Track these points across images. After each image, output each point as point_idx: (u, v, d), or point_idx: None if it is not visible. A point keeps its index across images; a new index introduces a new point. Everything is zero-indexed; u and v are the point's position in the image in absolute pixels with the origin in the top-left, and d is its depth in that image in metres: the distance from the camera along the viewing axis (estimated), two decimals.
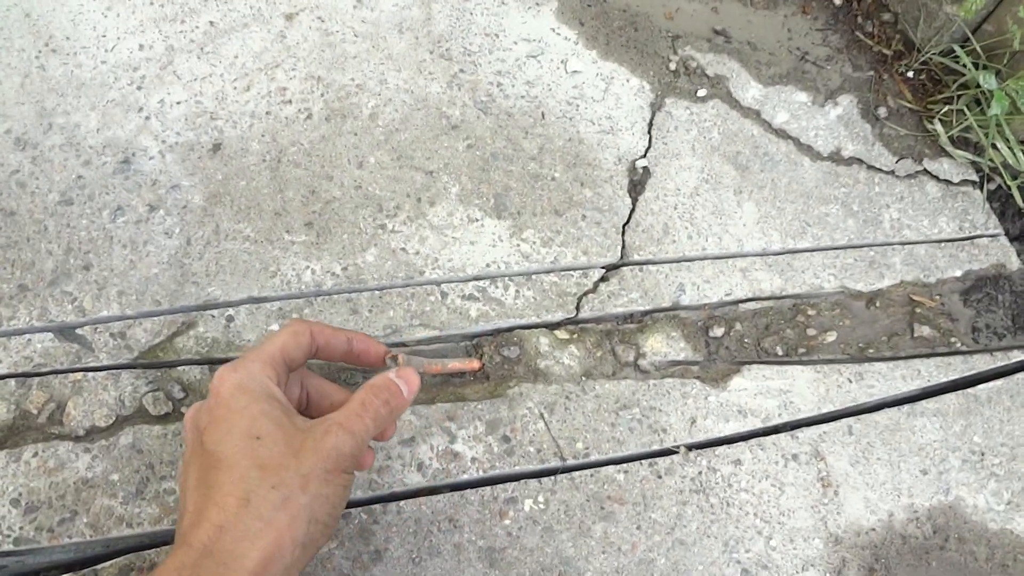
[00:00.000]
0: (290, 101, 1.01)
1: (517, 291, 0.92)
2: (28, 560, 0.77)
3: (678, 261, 0.98)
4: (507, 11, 1.13)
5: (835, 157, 1.11)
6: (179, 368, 0.85)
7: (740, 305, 0.98)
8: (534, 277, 0.94)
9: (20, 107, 0.97)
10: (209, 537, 0.53)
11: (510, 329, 0.92)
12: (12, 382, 0.83)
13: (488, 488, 0.82)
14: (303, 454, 0.57)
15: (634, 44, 1.15)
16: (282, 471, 0.56)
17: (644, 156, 1.04)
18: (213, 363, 0.85)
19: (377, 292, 0.90)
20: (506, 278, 0.93)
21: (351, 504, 0.80)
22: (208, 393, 0.62)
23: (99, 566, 0.76)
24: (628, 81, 1.11)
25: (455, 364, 0.88)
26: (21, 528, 0.76)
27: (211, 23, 1.06)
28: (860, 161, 1.11)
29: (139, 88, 1.00)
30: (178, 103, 0.99)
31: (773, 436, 0.90)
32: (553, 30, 1.13)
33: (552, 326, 0.93)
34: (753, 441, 0.90)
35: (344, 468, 0.60)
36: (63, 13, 1.04)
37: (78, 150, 0.95)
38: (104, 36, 1.03)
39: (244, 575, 0.53)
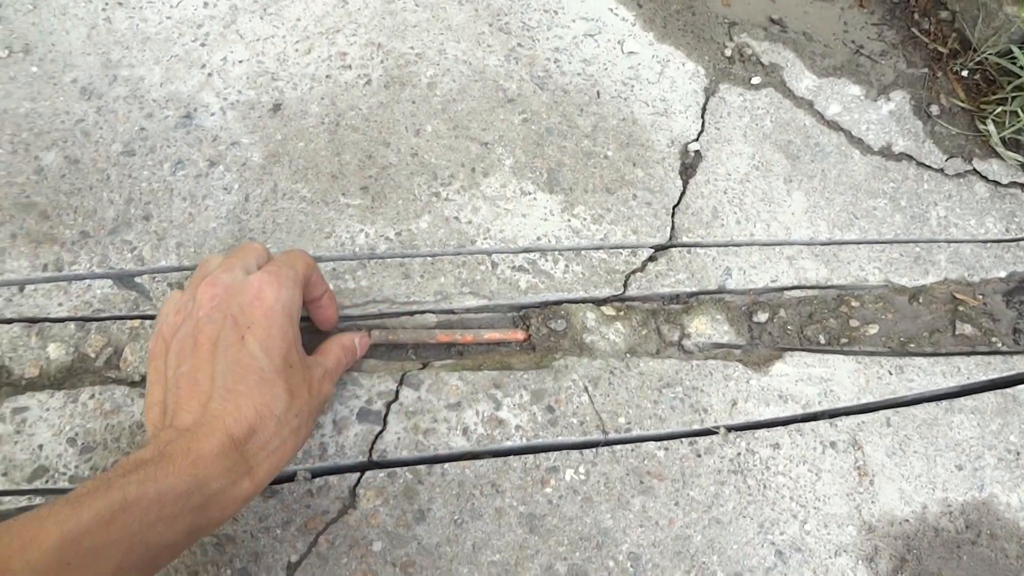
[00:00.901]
0: (350, 66, 1.02)
1: (566, 265, 0.93)
2: None
3: (726, 245, 0.99)
4: None
5: (885, 152, 1.11)
6: None
7: (785, 292, 0.99)
8: (583, 253, 0.95)
9: (86, 58, 0.98)
10: (243, 432, 0.56)
11: (558, 302, 0.93)
12: (72, 325, 0.84)
13: (531, 456, 0.84)
14: (311, 392, 0.66)
15: (691, 28, 1.15)
16: (301, 402, 0.63)
17: (696, 140, 1.05)
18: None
19: (429, 258, 0.91)
20: (556, 252, 0.94)
21: (398, 463, 0.82)
22: (235, 285, 0.63)
23: None
24: (683, 65, 1.11)
25: (494, 334, 0.89)
26: (76, 467, 0.78)
27: None
28: (910, 157, 1.11)
29: (202, 45, 1.01)
30: (240, 62, 1.01)
31: (812, 423, 0.91)
32: (611, 10, 1.13)
33: (599, 302, 0.94)
34: (792, 426, 0.90)
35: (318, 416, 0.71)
36: None
37: (141, 103, 0.96)
38: None
39: (259, 479, 0.60)
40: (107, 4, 1.03)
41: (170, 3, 1.04)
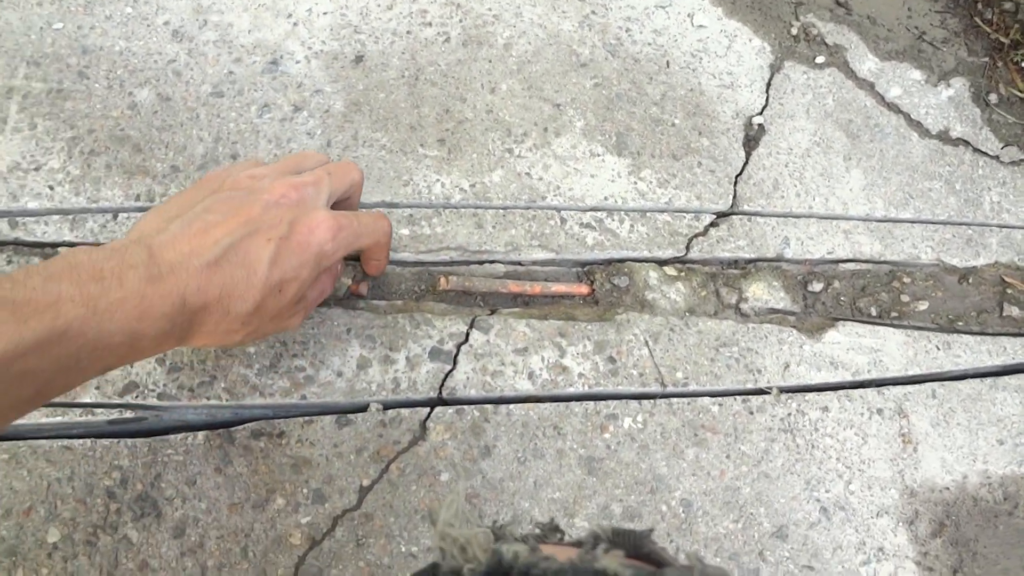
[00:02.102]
0: (430, 24, 1.06)
1: (631, 225, 0.97)
2: (165, 416, 0.84)
3: (785, 216, 1.02)
4: None
5: (943, 136, 1.14)
6: None
7: (840, 264, 1.02)
8: (648, 214, 0.98)
9: (178, 2, 1.02)
10: (197, 305, 0.55)
11: (622, 260, 0.96)
12: None
13: (591, 403, 0.88)
14: (275, 319, 0.66)
15: (758, 6, 1.17)
16: (260, 319, 0.63)
17: (760, 113, 1.08)
18: (346, 259, 0.91)
19: (501, 211, 0.95)
20: (622, 212, 0.98)
21: (466, 401, 0.86)
22: (308, 203, 0.63)
23: (232, 428, 0.82)
24: (750, 41, 1.14)
25: (560, 287, 0.93)
26: (164, 385, 0.82)
27: None
28: (967, 143, 1.14)
29: None
30: (324, 13, 1.04)
31: (860, 390, 0.95)
32: None
33: (661, 262, 0.97)
34: (841, 392, 0.94)
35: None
36: None
37: (230, 47, 1.00)
38: None
39: (185, 345, 0.62)
40: None
41: None
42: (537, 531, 0.55)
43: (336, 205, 0.76)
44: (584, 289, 0.94)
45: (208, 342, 0.62)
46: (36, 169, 0.90)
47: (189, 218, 0.57)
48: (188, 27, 1.01)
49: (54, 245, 0.88)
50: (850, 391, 0.94)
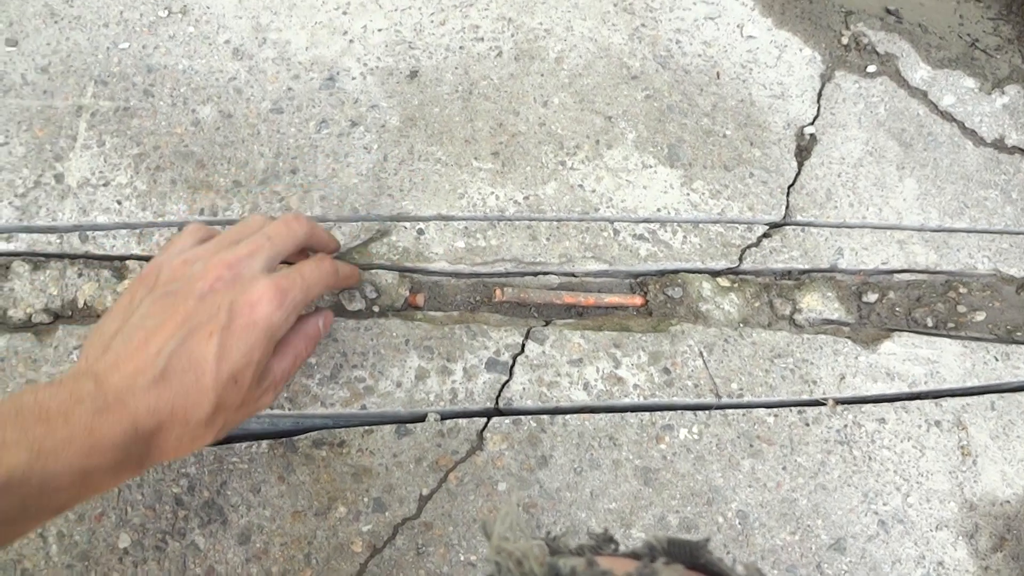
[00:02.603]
0: (482, 39, 1.07)
1: (684, 236, 0.97)
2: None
3: (838, 226, 1.02)
4: None
5: (998, 144, 1.12)
6: (372, 271, 0.92)
7: (895, 275, 1.02)
8: (701, 225, 0.98)
9: (238, 20, 1.05)
10: (149, 428, 0.52)
11: (675, 271, 0.97)
12: None
13: (647, 414, 0.88)
14: (242, 409, 0.63)
15: (808, 16, 1.17)
16: (224, 417, 0.59)
17: (812, 124, 1.08)
18: (404, 270, 0.93)
19: (555, 223, 0.96)
20: (675, 223, 0.98)
21: (522, 412, 0.87)
22: (245, 278, 0.59)
23: (295, 438, 0.84)
24: (801, 51, 1.14)
25: (614, 298, 0.94)
26: None
27: None
28: (1023, 151, 1.12)
29: (344, 13, 1.07)
30: (379, 30, 1.06)
31: (917, 401, 0.94)
32: None
33: (715, 273, 0.97)
34: (898, 403, 0.93)
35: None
36: None
37: (288, 64, 1.03)
38: None
39: (143, 469, 0.56)
40: None
41: None
42: (591, 542, 0.55)
43: (307, 254, 0.74)
44: (638, 300, 0.95)
45: (176, 455, 0.58)
46: (105, 185, 0.92)
47: (129, 331, 0.55)
48: (248, 45, 1.04)
49: (123, 258, 0.90)
50: (907, 403, 0.93)
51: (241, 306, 0.58)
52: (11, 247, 0.89)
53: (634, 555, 0.45)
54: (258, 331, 0.58)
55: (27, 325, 0.86)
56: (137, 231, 0.91)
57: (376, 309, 0.91)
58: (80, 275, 0.89)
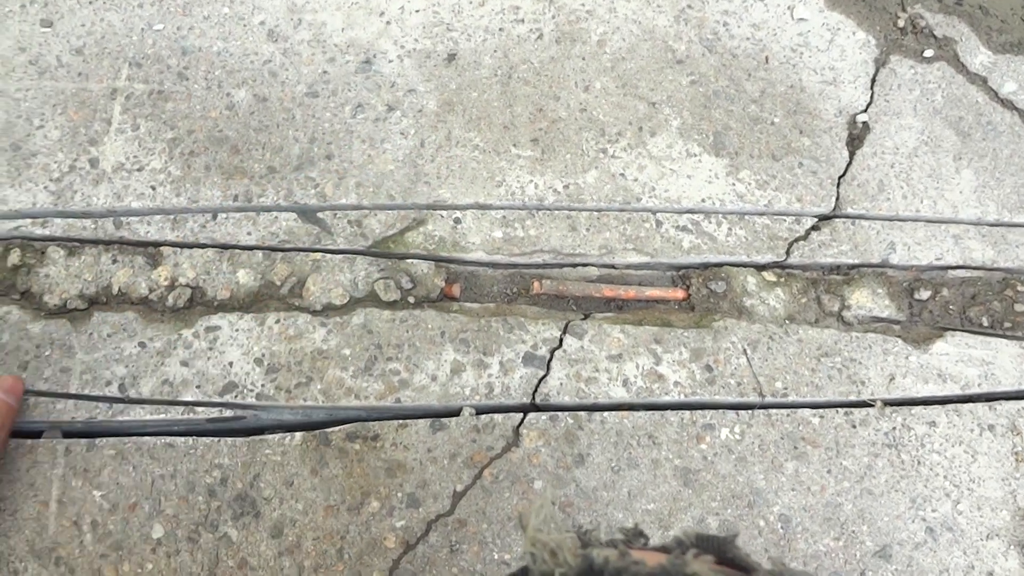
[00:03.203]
0: (523, 20, 1.04)
1: (729, 228, 0.94)
2: (262, 416, 0.85)
3: (891, 219, 0.98)
4: None
5: None
6: (408, 260, 0.91)
7: (949, 271, 0.98)
8: (747, 217, 0.95)
9: (273, 1, 1.03)
10: None
11: (719, 265, 0.94)
12: (259, 254, 0.90)
13: (687, 412, 0.86)
14: None
15: None
16: None
17: (865, 111, 1.03)
18: (440, 260, 0.91)
19: (595, 213, 0.93)
20: (719, 215, 0.95)
21: (559, 408, 0.85)
22: None
23: (328, 430, 0.83)
24: (854, 34, 1.09)
25: (655, 291, 0.91)
26: (263, 386, 0.83)
27: None
28: None
29: None
30: (417, 11, 1.04)
31: (970, 404, 0.90)
32: None
33: (760, 267, 0.94)
34: (950, 406, 0.90)
35: None
36: None
37: (324, 47, 1.00)
38: None
39: None
40: None
41: None
42: (622, 537, 0.54)
43: None
44: (680, 294, 0.92)
45: None
46: (139, 170, 0.91)
47: None
48: (283, 26, 1.02)
49: (156, 244, 0.89)
50: (959, 405, 0.90)
51: None
52: (47, 232, 0.89)
53: (664, 549, 0.45)
54: None
55: (62, 311, 0.86)
56: (171, 217, 0.90)
57: (411, 300, 0.89)
58: (114, 261, 0.88)
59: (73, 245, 0.88)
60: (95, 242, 0.89)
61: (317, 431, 0.83)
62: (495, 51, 1.01)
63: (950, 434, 0.88)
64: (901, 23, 1.10)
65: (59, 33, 0.98)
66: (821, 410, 0.87)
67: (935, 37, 1.11)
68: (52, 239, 0.89)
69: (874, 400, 0.88)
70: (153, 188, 0.90)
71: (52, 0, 1.01)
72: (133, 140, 0.93)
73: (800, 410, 0.87)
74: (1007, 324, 0.95)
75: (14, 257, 0.87)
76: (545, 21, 1.04)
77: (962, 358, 0.92)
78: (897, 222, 0.98)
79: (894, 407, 0.89)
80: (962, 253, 0.97)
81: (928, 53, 1.09)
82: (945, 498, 0.86)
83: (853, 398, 0.88)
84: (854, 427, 0.87)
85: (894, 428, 0.87)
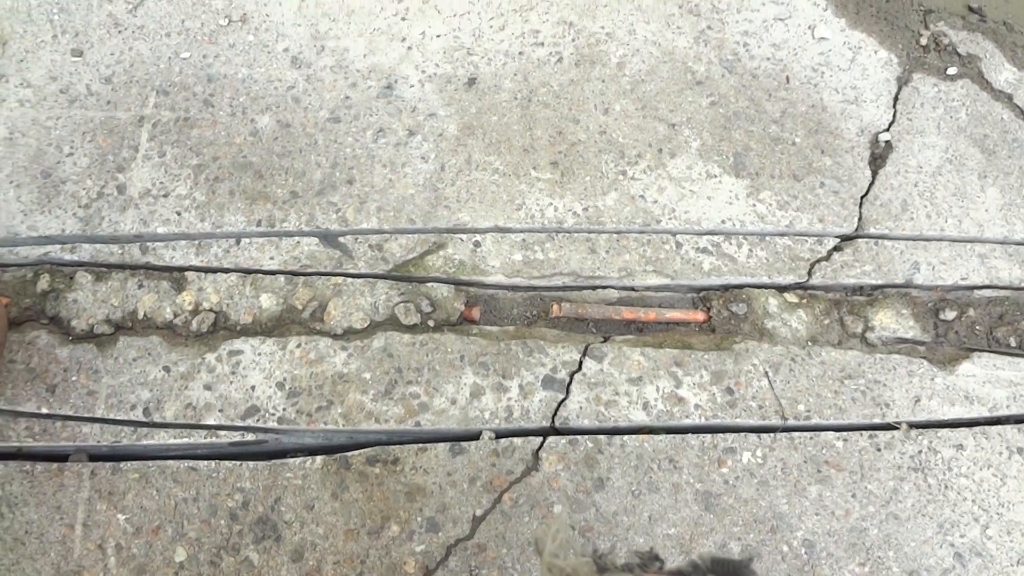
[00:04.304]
0: (542, 44, 1.05)
1: (750, 250, 0.94)
2: (284, 439, 0.86)
3: (915, 239, 0.97)
4: None
5: None
6: (428, 284, 0.91)
7: (975, 291, 0.96)
8: (768, 238, 0.94)
9: (297, 28, 1.04)
10: None
11: (740, 286, 0.93)
12: (282, 278, 0.91)
13: (708, 435, 0.85)
14: None
15: (884, 15, 1.12)
16: None
17: (887, 130, 1.03)
18: (460, 283, 0.91)
19: (615, 235, 0.93)
20: (740, 236, 0.94)
21: (579, 431, 0.85)
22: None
23: (348, 454, 0.83)
24: (876, 53, 1.09)
25: (676, 314, 0.91)
26: (284, 410, 0.84)
27: None
28: None
29: (403, 19, 1.06)
30: (438, 36, 1.05)
31: (999, 426, 0.89)
32: None
33: (782, 288, 0.94)
34: (977, 428, 0.88)
35: None
36: None
37: (346, 73, 1.02)
38: None
39: None
40: None
41: None
42: (638, 560, 0.54)
43: None
44: (700, 316, 0.91)
45: None
46: (165, 196, 0.93)
47: None
48: (306, 53, 1.03)
49: (181, 269, 0.91)
50: (987, 428, 0.88)
51: None
52: (75, 257, 0.90)
53: (679, 573, 0.45)
54: None
55: (89, 335, 0.87)
56: (196, 242, 0.92)
57: (431, 323, 0.90)
58: (140, 286, 0.89)
59: (100, 270, 0.90)
60: (122, 267, 0.90)
61: (338, 455, 0.83)
62: (515, 75, 1.02)
63: (978, 457, 0.87)
64: (924, 41, 1.10)
65: (89, 62, 1.01)
66: (845, 433, 0.86)
67: (959, 54, 1.10)
68: (80, 264, 0.90)
69: (899, 423, 0.87)
70: (178, 214, 0.92)
71: (83, 30, 1.03)
72: (159, 167, 0.94)
73: (823, 433, 0.86)
74: None
75: (43, 282, 0.89)
76: (565, 44, 1.05)
77: (989, 379, 0.90)
78: (921, 242, 0.96)
79: (920, 430, 0.87)
80: (988, 273, 0.96)
81: (952, 71, 1.08)
82: (974, 523, 0.84)
83: (877, 421, 0.87)
84: (879, 450, 0.86)
85: (920, 451, 0.86)
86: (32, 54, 1.01)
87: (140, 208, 0.92)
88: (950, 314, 0.94)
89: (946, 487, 0.85)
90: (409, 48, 1.04)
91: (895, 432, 0.87)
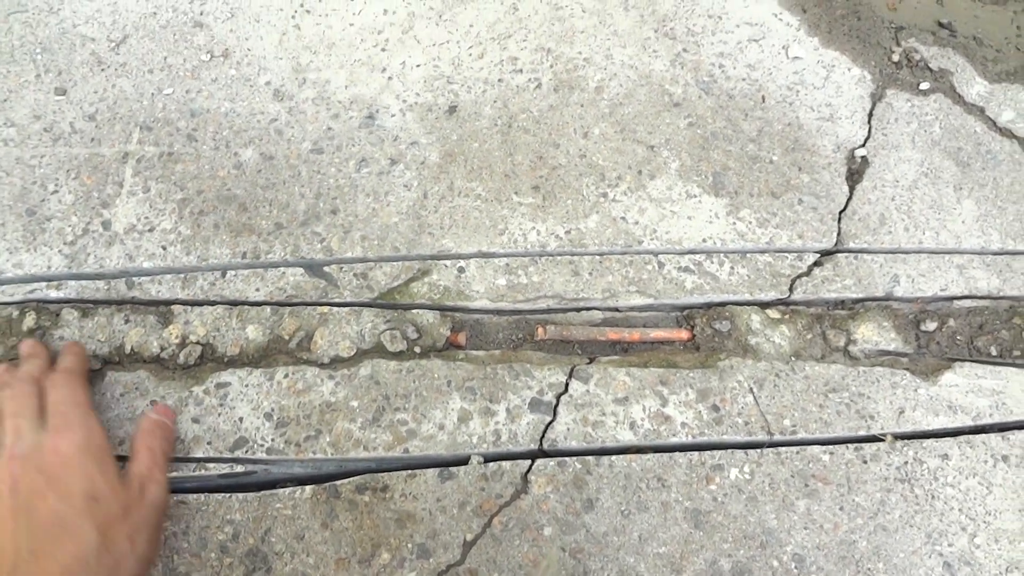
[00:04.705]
0: (521, 70, 1.06)
1: (732, 268, 0.95)
2: (273, 470, 0.86)
3: (893, 252, 0.98)
4: None
5: None
6: (413, 310, 0.92)
7: (955, 302, 0.98)
8: (749, 256, 0.96)
9: (279, 61, 1.06)
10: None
11: (723, 304, 0.94)
12: (268, 309, 0.91)
13: (696, 453, 0.85)
14: (133, 510, 0.69)
15: (856, 33, 1.14)
16: (119, 529, 0.66)
17: (863, 145, 1.04)
18: (445, 309, 0.92)
19: (597, 257, 0.94)
20: (721, 254, 0.96)
21: (567, 453, 0.85)
22: (31, 455, 0.65)
23: (337, 482, 0.83)
24: (849, 70, 1.11)
25: (660, 333, 0.91)
26: (272, 440, 0.84)
27: None
28: None
29: (383, 50, 1.07)
30: (418, 66, 1.06)
31: (983, 435, 0.89)
32: (775, 15, 1.14)
33: (764, 305, 0.95)
34: (962, 438, 0.89)
35: (165, 512, 0.74)
36: None
37: (328, 104, 1.03)
38: (352, 0, 1.11)
39: None
40: (296, 11, 1.10)
41: (353, 10, 1.10)
42: None
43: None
44: (684, 334, 0.92)
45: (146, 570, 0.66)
46: (150, 230, 0.94)
47: None
48: (288, 86, 1.05)
49: (168, 303, 0.91)
50: (971, 437, 0.89)
51: (48, 464, 0.65)
52: (61, 295, 0.91)
53: None
54: (75, 458, 0.67)
55: None
56: (182, 276, 0.92)
57: (417, 350, 0.90)
58: (127, 321, 0.90)
59: (87, 307, 0.91)
60: (108, 303, 0.91)
61: (327, 484, 0.83)
62: (495, 101, 1.04)
63: (963, 466, 0.87)
64: (896, 57, 1.12)
65: (72, 100, 1.02)
66: (831, 446, 0.87)
67: (930, 69, 1.12)
68: (66, 301, 0.91)
69: (884, 434, 0.88)
70: (164, 248, 0.92)
71: (66, 68, 1.04)
72: (144, 202, 0.95)
73: (809, 447, 0.87)
74: (1016, 352, 0.95)
75: (29, 320, 0.89)
76: (543, 70, 1.06)
77: (972, 388, 0.91)
78: (900, 255, 0.98)
79: (905, 441, 0.88)
80: (967, 283, 0.97)
81: (924, 86, 1.10)
82: (961, 532, 0.85)
83: (863, 433, 0.88)
84: (865, 462, 0.86)
85: (906, 462, 0.87)
86: (15, 93, 1.02)
87: (125, 243, 0.93)
88: (931, 325, 0.95)
89: (933, 497, 0.86)
90: (390, 78, 1.05)
91: (881, 444, 0.88)
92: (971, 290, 0.97)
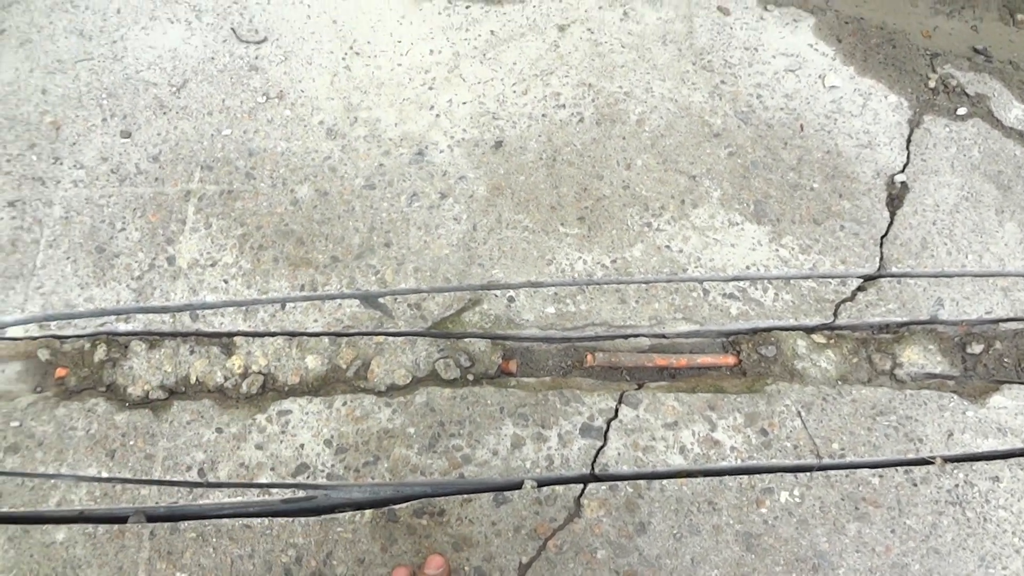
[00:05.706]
0: (564, 105, 1.10)
1: (776, 294, 0.96)
2: (332, 495, 0.88)
3: (936, 276, 0.99)
4: (765, 26, 1.17)
5: None
6: (466, 339, 0.95)
7: (1000, 324, 0.98)
8: (793, 281, 0.97)
9: (330, 102, 1.10)
10: None
11: (768, 329, 0.96)
12: (326, 339, 0.95)
13: (745, 477, 0.87)
14: None
15: (891, 61, 1.16)
16: None
17: (902, 171, 1.06)
18: (496, 337, 0.95)
19: (643, 285, 0.97)
20: (765, 280, 0.97)
21: (618, 477, 0.87)
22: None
23: (395, 507, 0.86)
24: (886, 97, 1.12)
25: (707, 359, 0.93)
26: (332, 466, 0.87)
27: (492, 32, 1.16)
28: None
29: (430, 88, 1.11)
30: (464, 103, 1.10)
31: None
32: (811, 46, 1.16)
33: (809, 330, 0.96)
34: (1013, 460, 0.89)
35: None
36: (364, 20, 1.17)
37: (379, 141, 1.07)
38: (400, 42, 1.16)
39: None
40: (346, 54, 1.15)
41: (400, 51, 1.15)
42: None
43: None
44: (731, 360, 0.94)
45: None
46: (212, 265, 0.98)
47: None
48: (340, 125, 1.09)
49: (230, 335, 0.95)
50: (1022, 459, 0.89)
51: None
52: (129, 327, 0.95)
53: None
54: None
55: (145, 402, 0.91)
56: (243, 308, 0.96)
57: (470, 377, 0.93)
58: (192, 352, 0.94)
59: (154, 338, 0.95)
60: (174, 335, 0.95)
61: (385, 508, 0.86)
62: (539, 136, 1.07)
63: (1015, 488, 0.88)
64: (932, 84, 1.13)
65: (137, 143, 1.07)
66: (880, 469, 0.88)
67: (967, 95, 1.13)
68: (135, 334, 0.95)
69: (933, 457, 0.89)
70: (225, 282, 0.96)
71: (130, 112, 1.09)
72: (206, 237, 0.99)
73: (859, 470, 0.88)
74: None
75: (100, 352, 0.93)
76: (585, 105, 1.10)
77: (1021, 411, 0.92)
78: (943, 278, 0.99)
79: (955, 463, 0.89)
80: (1012, 305, 0.98)
81: (961, 111, 1.12)
82: (1015, 555, 0.85)
83: (912, 456, 0.89)
84: (915, 485, 0.87)
85: (957, 485, 0.87)
86: (84, 137, 1.07)
87: (189, 278, 0.97)
88: (977, 348, 0.96)
89: (985, 520, 0.86)
90: (437, 116, 1.09)
91: (930, 467, 0.88)
92: (1017, 313, 0.98)
